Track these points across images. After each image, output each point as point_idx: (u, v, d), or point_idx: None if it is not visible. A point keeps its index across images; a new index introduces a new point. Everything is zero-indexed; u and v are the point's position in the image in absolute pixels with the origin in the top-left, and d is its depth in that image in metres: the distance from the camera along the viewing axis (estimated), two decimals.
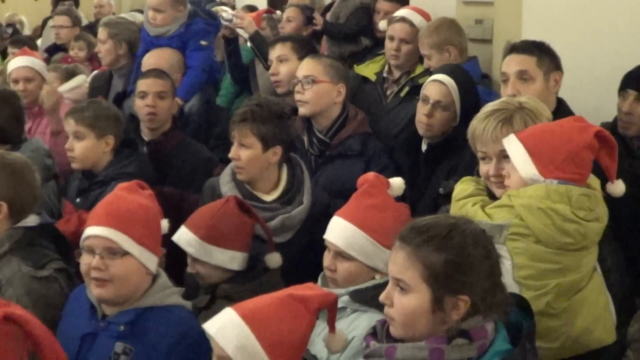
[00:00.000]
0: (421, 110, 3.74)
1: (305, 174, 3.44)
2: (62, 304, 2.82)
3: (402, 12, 4.75)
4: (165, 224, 2.83)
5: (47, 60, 6.33)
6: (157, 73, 4.29)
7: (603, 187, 2.70)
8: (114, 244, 2.57)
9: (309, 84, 3.79)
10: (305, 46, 4.40)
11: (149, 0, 4.93)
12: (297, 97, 3.83)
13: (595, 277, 2.66)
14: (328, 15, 6.02)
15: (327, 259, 2.73)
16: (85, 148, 3.72)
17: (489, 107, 2.83)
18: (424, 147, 3.82)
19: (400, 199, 2.90)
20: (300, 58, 4.10)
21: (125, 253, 2.57)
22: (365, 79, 4.71)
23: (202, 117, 4.77)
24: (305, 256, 3.25)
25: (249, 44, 4.93)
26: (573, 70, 3.65)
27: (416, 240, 2.02)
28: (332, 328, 2.26)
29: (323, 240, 2.76)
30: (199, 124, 4.73)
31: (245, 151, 3.32)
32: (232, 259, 2.98)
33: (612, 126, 3.58)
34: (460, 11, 4.87)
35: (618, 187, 2.73)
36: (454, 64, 4.18)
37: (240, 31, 4.91)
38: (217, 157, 4.21)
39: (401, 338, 2.06)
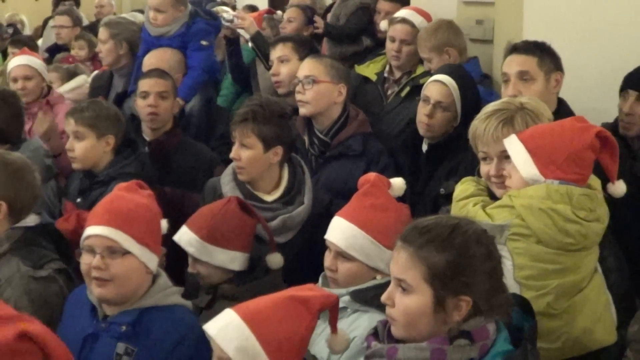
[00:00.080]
0: (422, 111, 3.74)
1: (306, 174, 3.44)
2: (61, 304, 2.81)
3: (402, 12, 4.75)
4: (164, 224, 2.83)
5: (49, 61, 6.34)
6: (159, 73, 4.29)
7: (604, 188, 2.70)
8: (115, 243, 2.57)
9: (310, 84, 3.79)
10: (306, 46, 4.40)
11: (149, 0, 4.93)
12: (298, 97, 3.83)
13: (596, 278, 2.66)
14: (328, 16, 6.03)
15: (328, 259, 2.73)
16: (85, 148, 3.72)
17: (490, 107, 2.82)
18: (424, 148, 3.82)
19: (400, 199, 2.90)
20: (301, 58, 4.10)
21: (126, 252, 2.57)
22: (366, 79, 4.71)
23: (202, 117, 4.77)
24: (306, 256, 3.24)
25: (250, 44, 4.93)
26: (574, 71, 3.65)
27: (418, 241, 2.02)
28: (334, 329, 2.26)
29: (324, 240, 2.76)
30: (199, 124, 4.73)
31: (246, 151, 3.32)
32: (232, 260, 2.98)
33: (613, 127, 3.58)
34: (461, 11, 4.87)
35: (619, 188, 2.73)
36: (454, 64, 4.18)
37: (241, 31, 4.91)
38: (218, 157, 4.21)
39: (402, 338, 2.06)
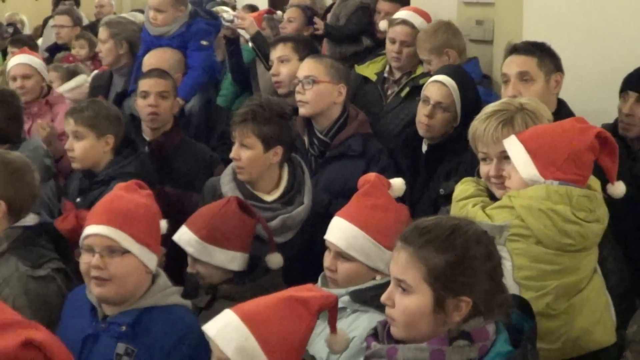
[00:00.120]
0: (422, 111, 3.74)
1: (306, 174, 3.44)
2: (59, 304, 2.82)
3: (402, 14, 4.74)
4: (164, 224, 2.82)
5: (49, 60, 6.34)
6: (159, 73, 4.29)
7: (603, 189, 2.70)
8: (114, 242, 2.57)
9: (310, 84, 3.78)
10: (307, 47, 4.40)
11: (150, 0, 4.93)
12: (298, 97, 3.83)
13: (595, 279, 2.66)
14: (328, 16, 6.03)
15: (327, 259, 2.73)
16: (85, 148, 3.72)
17: (489, 108, 2.82)
18: (424, 148, 3.82)
19: (400, 199, 2.90)
20: (301, 58, 4.10)
21: (125, 251, 2.57)
22: (365, 79, 4.71)
23: (202, 117, 4.77)
24: (306, 256, 3.24)
25: (250, 44, 4.93)
26: (574, 72, 3.65)
27: (418, 241, 2.02)
28: (333, 329, 2.26)
29: (323, 240, 2.75)
30: (199, 124, 4.73)
31: (246, 151, 3.32)
32: (232, 260, 2.98)
33: (612, 128, 3.58)
34: (461, 12, 4.87)
35: (618, 189, 2.73)
36: (454, 65, 4.18)
37: (241, 31, 4.91)
38: (218, 157, 4.21)
39: (402, 339, 2.05)
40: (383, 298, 2.08)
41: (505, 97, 3.22)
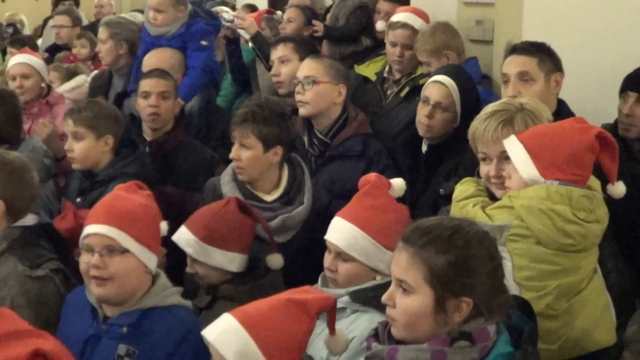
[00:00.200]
0: (422, 111, 3.74)
1: (306, 174, 3.44)
2: (57, 304, 2.82)
3: (401, 16, 4.72)
4: (164, 226, 2.83)
5: (48, 60, 6.33)
6: (160, 73, 4.28)
7: (603, 189, 2.70)
8: (113, 241, 2.57)
9: (310, 84, 3.78)
10: (307, 47, 4.40)
11: (149, 0, 4.93)
12: (298, 97, 3.82)
13: (596, 279, 2.66)
14: (328, 16, 6.02)
15: (327, 259, 2.72)
16: (84, 148, 3.71)
17: (489, 108, 2.82)
18: (424, 148, 3.82)
19: (400, 199, 2.90)
20: (302, 59, 4.10)
21: (125, 251, 2.57)
22: (365, 79, 4.70)
23: (202, 118, 4.77)
24: (306, 256, 3.24)
25: (250, 44, 4.93)
26: (574, 72, 3.64)
27: (419, 242, 2.02)
28: (332, 330, 2.25)
29: (323, 240, 2.75)
30: (199, 124, 4.72)
31: (246, 152, 3.32)
32: (231, 261, 2.97)
33: (612, 128, 3.58)
34: (460, 12, 4.87)
35: (618, 189, 2.72)
36: (454, 65, 4.18)
37: (241, 32, 4.91)
38: (219, 157, 4.21)
39: (403, 339, 2.05)
40: (384, 298, 2.08)
41: (505, 97, 3.22)
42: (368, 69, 4.74)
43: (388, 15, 5.12)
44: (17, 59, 4.95)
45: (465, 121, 3.31)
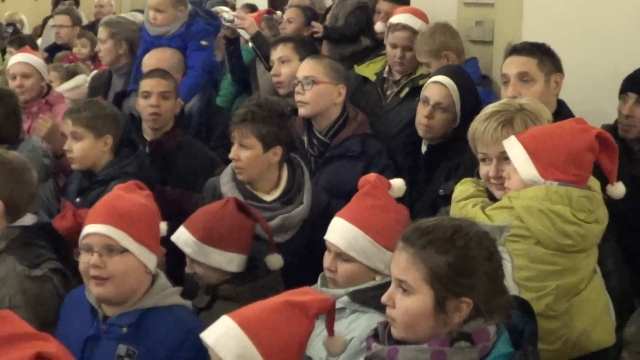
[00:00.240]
0: (421, 112, 3.74)
1: (305, 174, 3.44)
2: (55, 304, 2.82)
3: (401, 18, 4.71)
4: (163, 226, 2.82)
5: (48, 60, 6.33)
6: (161, 73, 4.28)
7: (603, 189, 2.69)
8: (112, 241, 2.56)
9: (309, 84, 3.78)
10: (307, 47, 4.40)
11: (149, 0, 4.93)
12: (297, 97, 3.82)
13: (595, 279, 2.65)
14: (327, 17, 6.02)
15: (327, 259, 2.72)
16: (83, 148, 3.70)
17: (489, 108, 2.82)
18: (423, 149, 3.81)
19: (399, 200, 2.90)
20: (302, 59, 4.09)
21: (124, 250, 2.57)
22: (365, 79, 4.70)
23: (202, 118, 4.77)
24: (306, 256, 3.24)
25: (250, 44, 4.93)
26: (574, 72, 3.64)
27: (419, 242, 2.02)
28: (330, 332, 2.25)
29: (323, 240, 2.75)
30: (199, 124, 4.72)
31: (246, 152, 3.32)
32: (230, 261, 2.97)
33: (612, 129, 3.58)
34: (460, 12, 4.87)
35: (618, 189, 2.72)
36: (454, 65, 4.18)
37: (241, 32, 4.91)
38: (218, 158, 4.20)
39: (403, 339, 2.05)
40: (384, 298, 2.07)
41: (505, 98, 3.22)
42: (368, 69, 4.74)
43: (388, 15, 5.12)
44: (18, 58, 4.95)
45: (464, 122, 3.31)
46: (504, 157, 2.69)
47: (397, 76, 4.61)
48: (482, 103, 3.47)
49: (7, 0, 11.87)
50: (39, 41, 7.90)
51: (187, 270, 3.02)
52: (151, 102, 4.12)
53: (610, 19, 4.00)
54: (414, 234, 2.04)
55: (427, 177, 3.73)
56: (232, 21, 4.85)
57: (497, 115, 2.74)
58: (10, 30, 8.41)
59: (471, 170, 2.98)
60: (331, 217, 2.78)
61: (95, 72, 5.76)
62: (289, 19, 5.92)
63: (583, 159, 2.60)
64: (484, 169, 2.77)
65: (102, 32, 5.21)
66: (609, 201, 2.69)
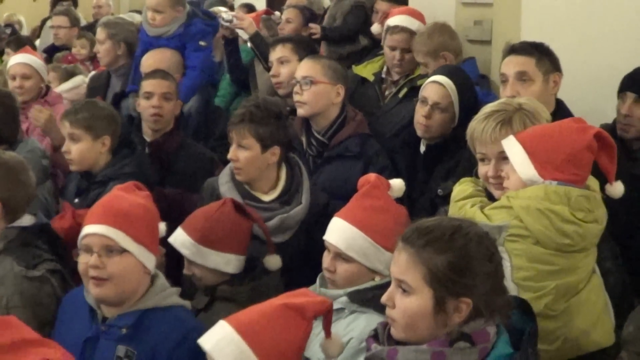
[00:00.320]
0: (420, 112, 3.73)
1: (304, 174, 3.43)
2: (53, 304, 2.81)
3: (398, 20, 4.70)
4: (162, 227, 2.82)
5: (47, 61, 6.33)
6: (163, 74, 4.28)
7: (602, 189, 2.69)
8: (112, 241, 2.56)
9: (308, 84, 3.77)
10: (306, 47, 4.39)
11: (148, 0, 4.93)
12: (296, 97, 3.82)
13: (594, 279, 2.65)
14: (325, 17, 6.02)
15: (326, 259, 2.72)
16: (81, 150, 3.70)
17: (488, 108, 2.82)
18: (422, 149, 3.81)
19: (398, 200, 2.89)
20: (301, 59, 4.08)
21: (123, 251, 2.57)
22: (363, 80, 4.70)
23: (201, 118, 4.77)
24: (304, 256, 3.24)
25: (249, 44, 4.92)
26: (572, 72, 3.64)
27: (419, 242, 2.01)
28: (328, 334, 2.24)
29: (322, 240, 2.75)
30: (197, 124, 4.72)
31: (244, 152, 3.32)
32: (227, 262, 2.97)
33: (611, 128, 3.58)
34: (459, 12, 4.87)
35: (617, 189, 2.72)
36: (453, 65, 4.18)
37: (240, 32, 4.90)
38: (217, 159, 4.20)
39: (402, 340, 2.05)
40: (383, 299, 2.07)
41: (504, 97, 3.22)
42: (366, 70, 4.74)
43: (386, 15, 5.12)
44: (18, 59, 4.94)
45: (463, 121, 3.31)
46: (502, 157, 2.69)
47: (396, 77, 4.61)
48: (481, 103, 3.47)
49: (6, 1, 11.86)
50: (37, 42, 7.90)
51: (185, 271, 3.02)
52: (153, 103, 4.12)
53: (608, 18, 4.00)
54: (413, 234, 2.03)
55: (426, 177, 3.73)
56: (230, 21, 4.85)
57: (495, 115, 2.74)
58: (8, 31, 8.40)
59: (470, 170, 2.98)
60: (330, 217, 2.78)
61: (93, 72, 5.76)
62: (288, 19, 5.92)
63: (582, 159, 2.60)
64: (483, 169, 2.77)
65: (100, 33, 5.21)
66: (608, 200, 2.69)
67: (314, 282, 2.75)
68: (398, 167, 3.82)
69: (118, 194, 2.71)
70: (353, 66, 4.85)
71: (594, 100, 3.90)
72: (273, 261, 3.04)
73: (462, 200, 2.72)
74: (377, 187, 2.76)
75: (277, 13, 6.40)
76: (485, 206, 2.64)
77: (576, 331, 2.58)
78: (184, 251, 2.98)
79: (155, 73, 4.29)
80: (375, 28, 5.22)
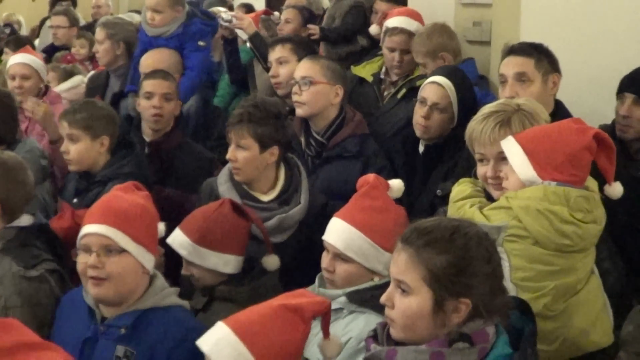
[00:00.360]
0: (419, 112, 3.73)
1: (302, 174, 3.43)
2: (51, 304, 2.81)
3: (397, 21, 4.70)
4: (162, 227, 2.82)
5: (46, 61, 6.32)
6: (164, 74, 4.27)
7: (601, 189, 2.69)
8: (111, 241, 2.56)
9: (306, 85, 3.77)
10: (305, 48, 4.39)
11: (147, 0, 4.93)
12: (295, 98, 3.81)
13: (593, 279, 2.65)
14: (324, 17, 6.02)
15: (325, 260, 2.72)
16: (80, 150, 3.69)
17: (486, 108, 2.82)
18: (421, 149, 3.81)
19: (397, 200, 2.89)
20: (300, 59, 4.09)
21: (122, 251, 2.57)
22: (361, 80, 4.70)
23: (200, 118, 4.77)
24: (303, 256, 3.24)
25: (248, 44, 4.92)
26: (571, 73, 3.64)
27: (418, 242, 2.01)
28: (326, 335, 2.24)
29: (320, 240, 2.74)
30: (196, 124, 4.72)
31: (242, 152, 3.32)
32: (226, 263, 2.96)
33: (610, 129, 3.58)
34: (458, 13, 4.87)
35: (616, 190, 2.72)
36: (452, 66, 4.18)
37: (239, 32, 4.90)
38: (217, 159, 4.20)
39: (401, 340, 2.05)
40: (383, 299, 2.07)
41: (503, 98, 3.22)
42: (364, 70, 4.74)
43: (385, 15, 5.12)
44: (18, 59, 4.93)
45: (462, 122, 3.31)
46: (501, 157, 2.69)
47: (394, 77, 4.61)
48: (480, 103, 3.47)
49: (5, 1, 11.85)
50: (37, 42, 7.90)
51: (184, 272, 3.01)
52: (154, 103, 4.11)
53: (607, 19, 4.00)
54: (413, 235, 2.03)
55: (425, 177, 3.73)
56: (230, 21, 4.85)
57: (494, 116, 2.74)
58: (7, 31, 8.39)
59: (469, 170, 2.98)
60: (328, 217, 2.78)
61: (92, 72, 5.76)
62: (287, 19, 5.92)
63: (581, 159, 2.60)
64: (482, 169, 2.77)
65: (99, 33, 5.21)
66: (607, 201, 2.69)
67: (312, 282, 2.75)
68: (397, 167, 3.82)
69: (117, 194, 2.71)
70: (352, 66, 4.84)
71: (593, 101, 3.91)
72: (271, 261, 3.04)
73: (461, 201, 2.72)
74: (376, 187, 2.76)
75: (276, 13, 6.40)
76: (484, 206, 2.64)
77: (575, 331, 2.58)
78: (182, 252, 2.97)
79: (156, 73, 4.29)
80: (373, 29, 5.22)
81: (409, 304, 2.00)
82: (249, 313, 2.18)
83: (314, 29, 5.66)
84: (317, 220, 3.12)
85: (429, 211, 3.30)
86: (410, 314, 2.00)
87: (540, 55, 3.41)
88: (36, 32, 9.10)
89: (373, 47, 5.36)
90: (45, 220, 3.14)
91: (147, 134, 4.19)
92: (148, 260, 2.62)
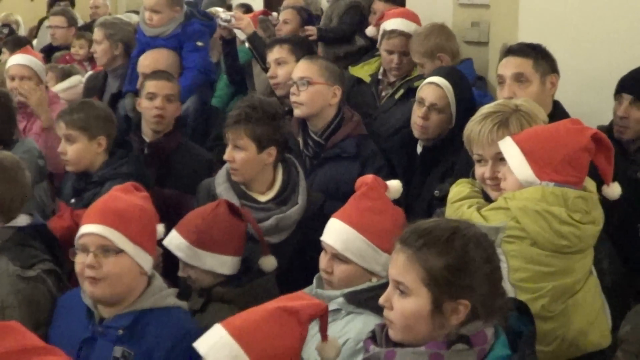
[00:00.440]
0: (417, 113, 3.74)
1: (300, 174, 3.43)
2: (49, 305, 2.81)
3: (394, 23, 4.70)
4: (160, 228, 2.81)
5: (44, 61, 6.31)
6: (167, 75, 4.27)
7: (599, 190, 2.69)
8: (108, 241, 2.56)
9: (304, 85, 3.77)
10: (303, 48, 4.39)
11: (145, 1, 4.92)
12: (293, 98, 3.81)
13: (591, 280, 2.65)
14: (322, 18, 6.02)
15: (323, 260, 2.71)
16: (77, 151, 3.69)
17: (484, 109, 2.82)
18: (419, 150, 3.81)
19: (395, 201, 2.89)
20: (298, 60, 4.09)
21: (120, 251, 2.57)
22: (359, 80, 4.70)
23: (198, 118, 4.76)
24: (301, 257, 3.23)
25: (246, 44, 4.92)
26: (569, 73, 3.64)
27: (417, 244, 2.01)
28: (324, 337, 2.24)
29: (318, 241, 2.74)
30: (195, 125, 4.71)
31: (240, 153, 3.31)
32: (223, 264, 2.96)
33: (608, 130, 3.58)
34: (456, 14, 4.88)
35: (614, 190, 2.72)
36: (450, 66, 4.19)
37: (237, 32, 4.90)
38: (215, 160, 4.19)
39: (400, 342, 2.04)
40: (381, 300, 2.07)
41: (501, 99, 3.22)
42: (362, 71, 4.74)
43: (382, 16, 5.12)
44: (18, 60, 4.91)
45: (460, 122, 3.31)
46: (499, 158, 2.69)
47: (392, 78, 4.61)
48: (478, 104, 3.47)
49: (3, 1, 11.84)
50: (35, 42, 7.89)
51: (180, 273, 3.01)
52: (156, 104, 4.10)
53: (605, 20, 4.01)
54: (411, 236, 2.03)
55: (423, 178, 3.73)
56: (228, 21, 4.84)
57: (492, 116, 2.74)
58: (5, 31, 8.39)
59: (467, 171, 2.98)
60: (326, 218, 2.77)
61: (90, 72, 5.75)
62: (285, 20, 5.92)
63: (579, 160, 2.60)
64: (480, 170, 2.77)
65: (97, 33, 5.20)
66: (605, 202, 2.69)
67: (310, 283, 2.75)
68: (395, 168, 3.82)
69: (116, 194, 2.71)
70: (349, 67, 4.84)
71: (591, 102, 3.91)
72: (268, 262, 3.04)
73: (459, 202, 2.71)
74: (375, 188, 2.76)
75: (274, 14, 6.40)
76: (482, 207, 2.64)
77: (573, 332, 2.58)
78: (179, 254, 2.97)
79: (160, 74, 4.28)
80: (370, 31, 5.22)
81: (407, 305, 2.00)
82: (246, 316, 2.18)
83: (311, 30, 5.66)
84: (314, 221, 3.11)
85: (427, 212, 3.30)
86: (409, 315, 2.00)
87: (538, 56, 3.41)
88: (34, 32, 9.10)
89: (371, 47, 5.37)
90: (42, 220, 3.14)
91: (147, 135, 4.18)
92: (146, 260, 2.62)
